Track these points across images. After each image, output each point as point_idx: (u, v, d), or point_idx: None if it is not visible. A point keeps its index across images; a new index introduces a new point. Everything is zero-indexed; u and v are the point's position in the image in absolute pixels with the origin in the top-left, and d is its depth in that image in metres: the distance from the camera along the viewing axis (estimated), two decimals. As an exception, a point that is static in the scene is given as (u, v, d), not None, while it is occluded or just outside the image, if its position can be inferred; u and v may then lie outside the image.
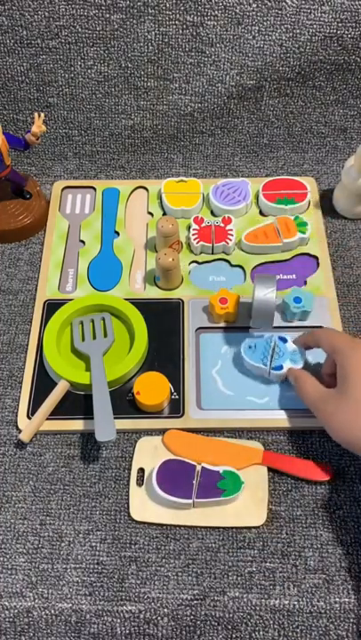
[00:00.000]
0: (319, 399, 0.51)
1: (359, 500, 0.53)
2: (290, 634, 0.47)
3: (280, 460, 0.54)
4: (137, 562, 0.50)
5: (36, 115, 0.64)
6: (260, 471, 0.54)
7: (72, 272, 0.68)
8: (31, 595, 0.49)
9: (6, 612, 0.48)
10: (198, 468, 0.53)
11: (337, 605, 0.48)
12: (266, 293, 0.57)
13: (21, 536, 0.52)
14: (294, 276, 0.67)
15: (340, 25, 0.69)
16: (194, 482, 0.52)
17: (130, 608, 0.48)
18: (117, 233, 0.71)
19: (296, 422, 0.56)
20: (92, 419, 0.54)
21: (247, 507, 0.52)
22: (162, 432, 0.56)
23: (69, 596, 0.49)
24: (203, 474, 0.52)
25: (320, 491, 0.53)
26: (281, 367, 0.57)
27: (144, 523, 0.52)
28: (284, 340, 0.58)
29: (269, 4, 0.68)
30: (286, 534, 0.51)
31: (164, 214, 0.72)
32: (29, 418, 0.57)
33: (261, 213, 0.72)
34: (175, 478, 0.52)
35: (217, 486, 0.52)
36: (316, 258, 0.68)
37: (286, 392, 0.58)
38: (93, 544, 0.51)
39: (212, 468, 0.53)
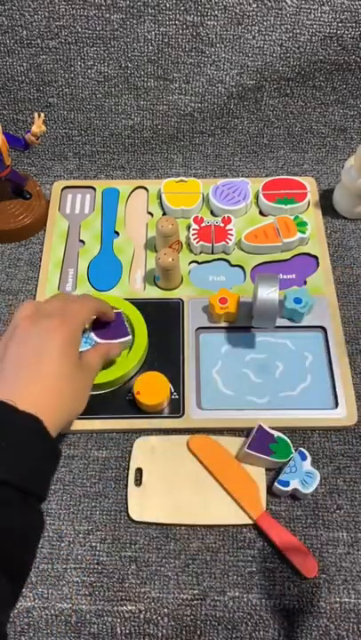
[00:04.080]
0: None
1: (359, 500, 0.53)
2: (290, 634, 0.47)
3: (275, 530, 0.51)
4: (137, 562, 0.50)
5: (36, 115, 0.64)
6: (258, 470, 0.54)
7: (72, 272, 0.68)
8: (31, 595, 0.49)
9: (6, 612, 0.48)
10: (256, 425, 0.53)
11: (337, 605, 0.48)
12: (269, 293, 0.56)
13: (21, 536, 0.52)
14: (294, 275, 0.67)
15: (340, 25, 0.69)
16: None
17: (130, 608, 0.48)
18: (117, 233, 0.71)
19: (296, 422, 0.56)
20: (92, 419, 0.54)
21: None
22: (161, 432, 0.56)
23: (69, 596, 0.49)
24: (258, 431, 0.54)
25: (320, 491, 0.53)
26: (287, 484, 0.52)
27: (143, 523, 0.52)
28: (303, 457, 0.53)
29: (269, 4, 0.68)
30: (286, 534, 0.51)
31: (164, 214, 0.72)
32: (29, 418, 0.57)
33: (261, 213, 0.72)
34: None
35: (269, 447, 0.53)
36: (316, 258, 0.68)
37: (286, 392, 0.58)
38: (93, 544, 0.51)
39: (269, 431, 0.54)
